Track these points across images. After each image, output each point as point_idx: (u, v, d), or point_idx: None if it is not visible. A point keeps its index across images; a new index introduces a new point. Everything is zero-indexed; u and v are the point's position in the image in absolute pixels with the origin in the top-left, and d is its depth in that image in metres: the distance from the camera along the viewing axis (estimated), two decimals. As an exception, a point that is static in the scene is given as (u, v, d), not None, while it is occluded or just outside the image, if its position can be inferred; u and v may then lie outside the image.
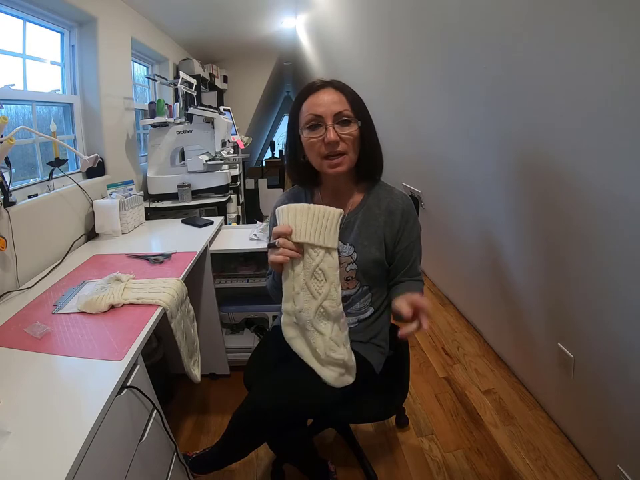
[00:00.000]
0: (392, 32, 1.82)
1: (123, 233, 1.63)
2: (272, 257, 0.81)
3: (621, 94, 0.77)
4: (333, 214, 0.80)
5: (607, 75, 0.79)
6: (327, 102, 0.83)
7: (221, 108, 2.64)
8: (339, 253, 0.92)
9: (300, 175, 0.96)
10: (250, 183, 3.92)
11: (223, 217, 1.88)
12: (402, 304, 0.73)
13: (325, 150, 0.84)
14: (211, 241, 1.54)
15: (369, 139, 0.87)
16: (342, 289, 0.87)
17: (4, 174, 1.16)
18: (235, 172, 2.82)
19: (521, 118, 1.15)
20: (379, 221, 0.92)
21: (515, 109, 1.16)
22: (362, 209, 0.93)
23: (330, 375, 0.87)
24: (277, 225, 0.82)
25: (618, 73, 0.76)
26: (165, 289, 1.04)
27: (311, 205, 0.80)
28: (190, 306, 1.17)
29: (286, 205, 0.80)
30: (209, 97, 3.56)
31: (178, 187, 2.07)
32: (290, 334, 0.88)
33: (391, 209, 0.92)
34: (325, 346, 0.87)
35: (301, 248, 0.81)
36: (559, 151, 1.04)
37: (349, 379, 0.90)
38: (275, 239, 0.80)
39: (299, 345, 0.89)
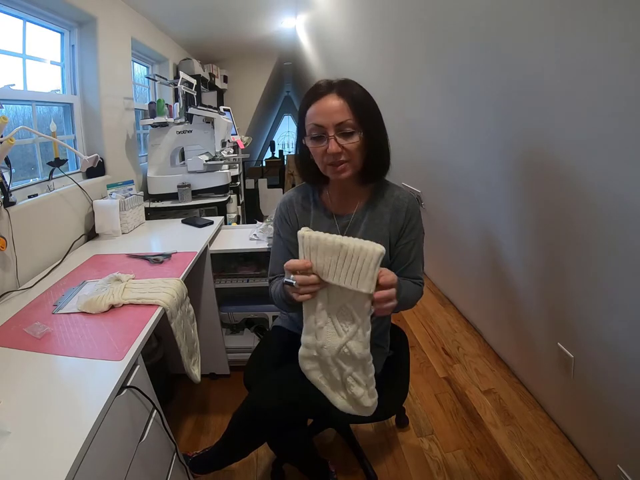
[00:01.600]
0: (393, 32, 1.82)
1: (123, 233, 1.63)
2: (293, 296, 0.74)
3: (623, 95, 0.77)
4: (372, 254, 0.64)
5: (609, 76, 0.79)
6: (329, 111, 0.81)
7: (221, 108, 2.64)
8: None
9: (309, 174, 0.96)
10: (250, 183, 3.93)
11: (222, 217, 1.87)
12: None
13: (327, 159, 0.84)
14: (211, 241, 1.54)
15: (374, 144, 0.86)
16: None
17: (4, 174, 1.16)
18: (235, 172, 2.82)
19: (523, 119, 1.15)
20: (385, 219, 0.92)
21: (517, 110, 1.15)
22: (369, 207, 0.94)
23: (340, 402, 0.84)
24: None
25: (620, 73, 0.76)
26: (164, 289, 1.04)
27: (345, 240, 0.67)
28: (190, 306, 1.17)
29: (314, 235, 0.68)
30: (209, 97, 3.56)
31: (178, 187, 2.07)
32: (307, 366, 0.83)
33: (397, 207, 0.93)
34: (343, 380, 0.80)
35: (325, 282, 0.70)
36: (560, 152, 1.03)
37: (354, 412, 0.84)
38: (291, 272, 0.70)
39: (314, 375, 0.83)
